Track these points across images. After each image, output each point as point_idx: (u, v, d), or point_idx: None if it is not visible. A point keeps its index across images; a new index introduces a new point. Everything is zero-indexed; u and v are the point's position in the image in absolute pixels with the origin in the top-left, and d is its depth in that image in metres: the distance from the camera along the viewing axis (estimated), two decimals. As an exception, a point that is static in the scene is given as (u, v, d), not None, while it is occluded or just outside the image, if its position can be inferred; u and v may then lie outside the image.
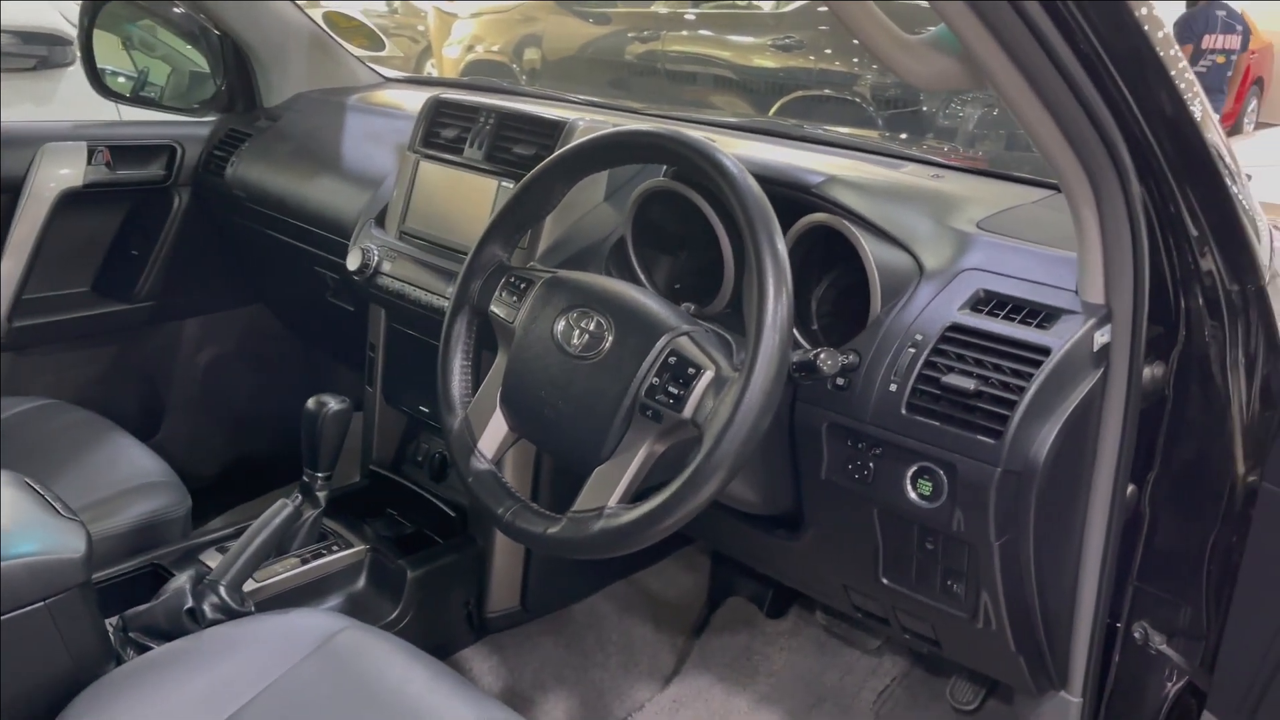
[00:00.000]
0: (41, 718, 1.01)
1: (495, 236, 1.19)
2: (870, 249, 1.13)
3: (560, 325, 1.09)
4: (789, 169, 1.26)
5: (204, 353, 2.13)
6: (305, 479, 1.41)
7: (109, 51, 2.06)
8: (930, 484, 1.06)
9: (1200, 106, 0.94)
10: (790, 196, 1.20)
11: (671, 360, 1.01)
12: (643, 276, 1.34)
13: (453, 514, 1.59)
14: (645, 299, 1.08)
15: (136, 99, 2.07)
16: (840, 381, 1.11)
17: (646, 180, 1.30)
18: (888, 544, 1.16)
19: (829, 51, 6.44)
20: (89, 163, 1.86)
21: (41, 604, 1.04)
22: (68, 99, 2.31)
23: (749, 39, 7.11)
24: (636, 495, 1.01)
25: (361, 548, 1.49)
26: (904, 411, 1.06)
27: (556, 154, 1.15)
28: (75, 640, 1.07)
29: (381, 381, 1.68)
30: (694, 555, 1.82)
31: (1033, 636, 1.15)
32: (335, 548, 1.47)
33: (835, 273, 1.24)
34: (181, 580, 1.22)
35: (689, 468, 0.95)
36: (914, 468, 1.07)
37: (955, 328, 1.08)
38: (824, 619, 1.70)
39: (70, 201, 1.85)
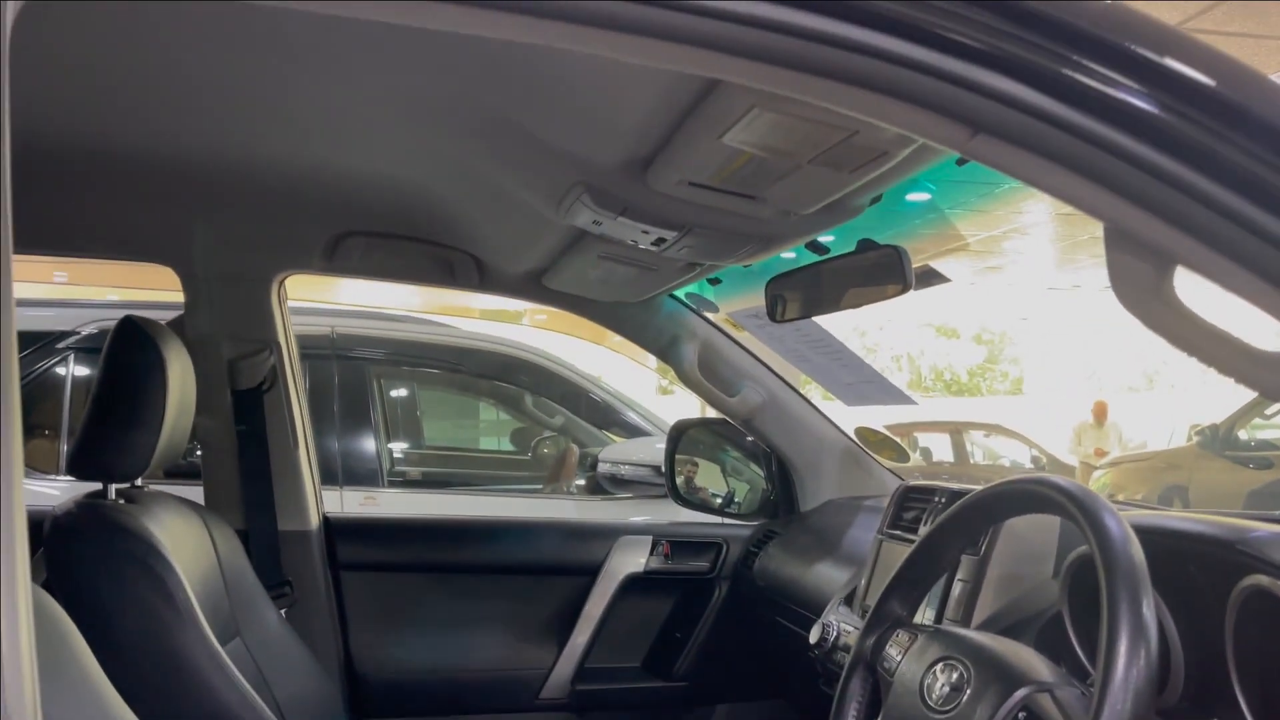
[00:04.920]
0: None
1: (893, 594, 1.20)
2: (1324, 617, 0.91)
3: (928, 678, 1.04)
4: (1231, 527, 1.09)
5: (729, 741, 2.26)
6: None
7: (698, 475, 2.53)
8: None
9: None
10: (1228, 558, 1.03)
11: (1022, 716, 0.91)
12: (1082, 655, 1.20)
13: None
14: (1018, 650, 1.00)
15: (705, 509, 2.46)
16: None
17: (1081, 549, 1.21)
18: None
19: None
20: (651, 553, 2.24)
21: None
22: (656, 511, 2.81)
23: None
24: None
25: None
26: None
27: (946, 515, 1.17)
28: None
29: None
30: None
31: None
32: None
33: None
34: None
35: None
36: None
37: None
38: None
39: (631, 584, 2.22)
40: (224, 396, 1.94)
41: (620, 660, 2.27)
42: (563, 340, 6.72)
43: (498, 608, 2.25)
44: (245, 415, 1.95)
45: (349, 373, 3.32)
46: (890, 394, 2.43)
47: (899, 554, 1.57)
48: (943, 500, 1.53)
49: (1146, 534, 0.95)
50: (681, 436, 2.39)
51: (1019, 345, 22.34)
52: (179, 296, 1.96)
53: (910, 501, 1.62)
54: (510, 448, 4.80)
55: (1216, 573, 1.00)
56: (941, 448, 10.97)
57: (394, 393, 4.02)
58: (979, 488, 1.44)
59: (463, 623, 2.23)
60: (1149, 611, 0.85)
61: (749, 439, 2.30)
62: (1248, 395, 7.60)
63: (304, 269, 2.01)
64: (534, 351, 3.88)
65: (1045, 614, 1.27)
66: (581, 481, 3.92)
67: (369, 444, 3.28)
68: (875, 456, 2.34)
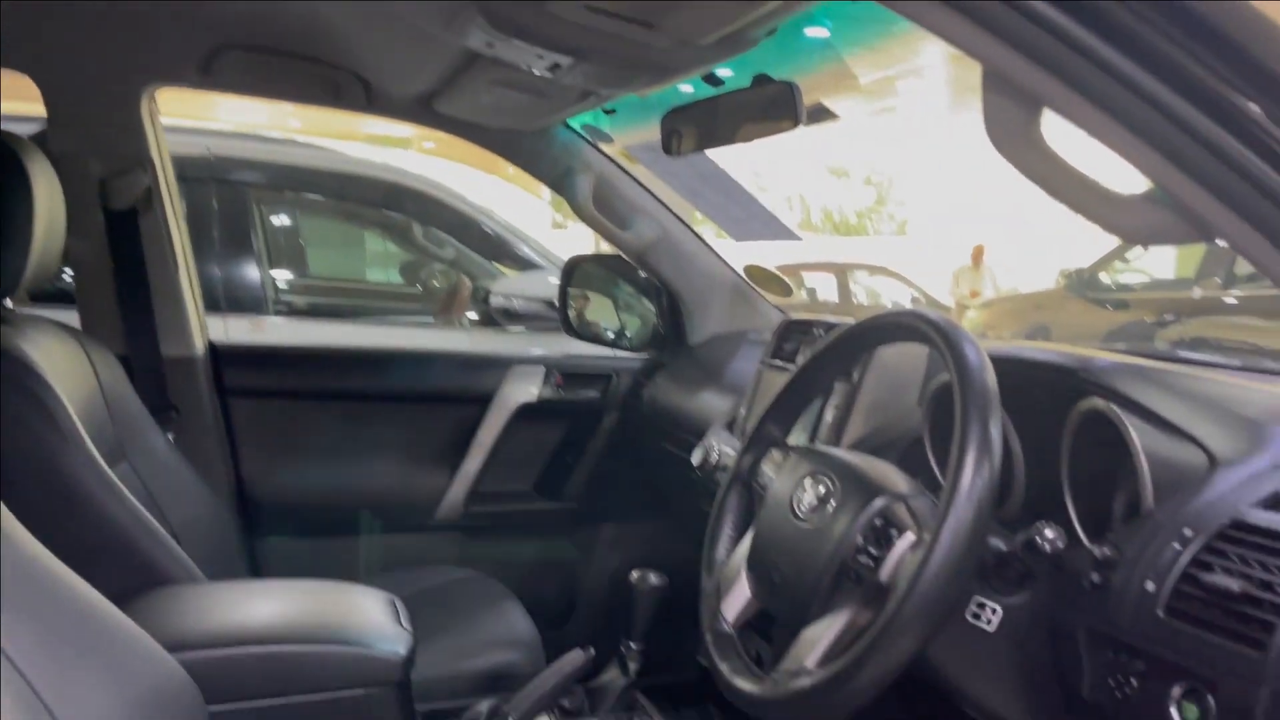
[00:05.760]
0: None
1: (771, 417, 1.27)
2: (1146, 438, 1.02)
3: (797, 491, 1.12)
4: (1071, 354, 1.19)
5: (615, 555, 2.39)
6: (621, 648, 1.53)
7: (587, 311, 2.56)
8: (1197, 709, 0.88)
9: None
10: (1068, 384, 1.14)
11: (879, 523, 1.00)
12: (938, 472, 1.31)
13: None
14: (879, 465, 1.08)
15: (596, 340, 2.51)
16: (1096, 579, 0.98)
17: (942, 376, 1.31)
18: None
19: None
20: (543, 383, 2.30)
21: (360, 691, 1.27)
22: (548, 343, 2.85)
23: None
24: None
25: (662, 725, 1.55)
26: (1162, 615, 0.91)
27: (822, 344, 1.23)
28: None
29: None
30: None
31: None
32: (637, 718, 1.54)
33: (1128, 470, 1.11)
34: (482, 707, 1.38)
35: (873, 628, 0.92)
36: (1179, 687, 0.90)
37: (1238, 525, 0.91)
38: None
39: (524, 414, 2.27)
40: (96, 217, 1.85)
41: (512, 484, 2.35)
42: (454, 169, 6.54)
43: (391, 435, 2.28)
44: (120, 237, 1.88)
45: (228, 197, 3.18)
46: (779, 231, 2.49)
47: (778, 382, 1.65)
48: (821, 332, 1.60)
49: (1001, 362, 1.03)
50: (575, 271, 2.41)
51: (907, 188, 22.77)
52: (42, 109, 1.84)
53: (790, 334, 1.70)
54: (399, 280, 4.73)
55: (1060, 396, 1.10)
56: (827, 288, 11.29)
57: (277, 219, 3.88)
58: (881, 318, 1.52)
59: (356, 449, 2.26)
60: (996, 430, 0.93)
61: (641, 274, 2.34)
62: (1114, 241, 8.00)
63: (176, 82, 1.89)
64: (423, 180, 3.78)
65: (909, 437, 1.37)
66: (473, 315, 3.92)
67: (252, 271, 3.19)
68: (762, 293, 2.41)
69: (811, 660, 0.99)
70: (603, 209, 2.17)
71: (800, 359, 1.60)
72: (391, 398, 2.30)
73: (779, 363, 1.68)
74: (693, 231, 2.34)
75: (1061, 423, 1.12)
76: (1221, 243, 0.84)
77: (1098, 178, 0.90)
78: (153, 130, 1.90)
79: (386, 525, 2.26)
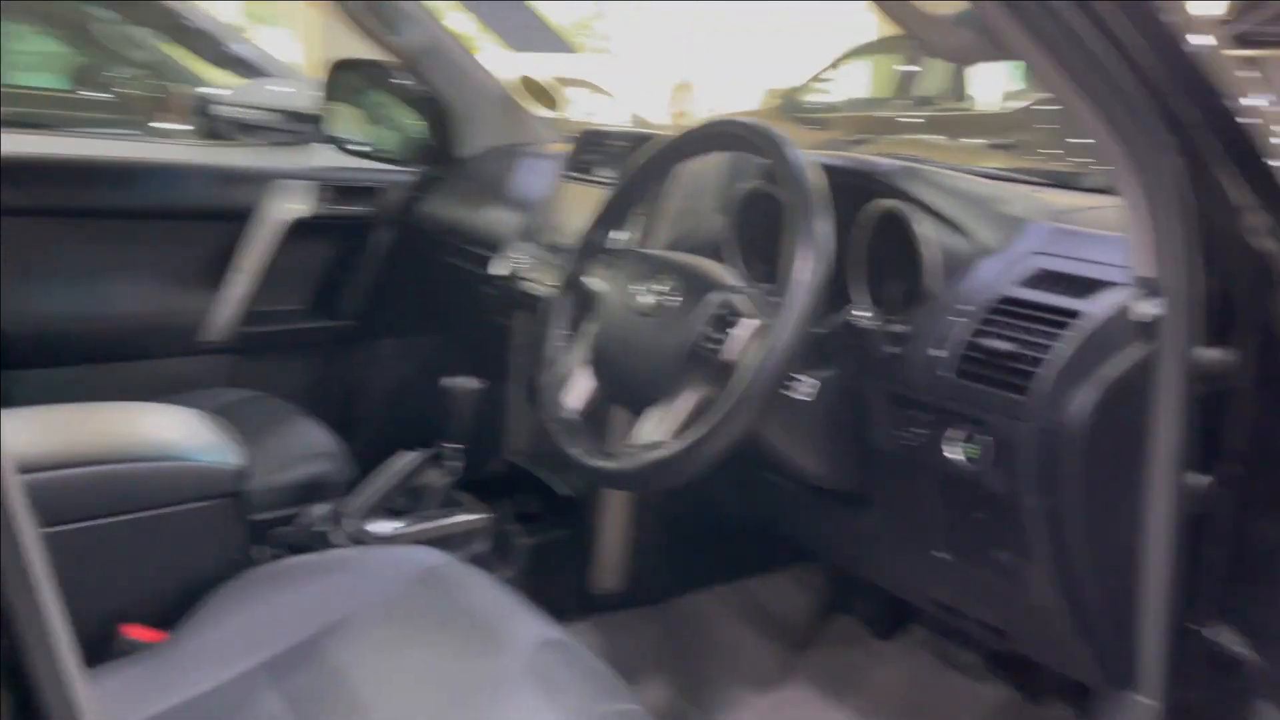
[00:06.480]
0: (184, 603, 1.21)
1: (598, 224, 1.36)
2: (929, 231, 1.21)
3: (637, 289, 1.23)
4: (865, 161, 1.35)
5: (395, 371, 2.42)
6: (438, 449, 1.60)
7: (352, 123, 2.45)
8: (974, 446, 1.10)
9: (1233, 79, 0.97)
10: (863, 186, 1.30)
11: (721, 312, 1.13)
12: (745, 271, 1.46)
13: (572, 499, 1.73)
14: (710, 264, 1.20)
15: (363, 155, 2.43)
16: (894, 350, 1.18)
17: (746, 185, 1.43)
18: (941, 515, 1.19)
19: (1048, 152, 6.34)
20: (312, 197, 2.21)
21: (195, 505, 1.28)
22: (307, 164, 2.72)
23: (970, 141, 7.08)
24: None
25: (484, 516, 1.65)
26: (949, 376, 1.12)
27: (643, 151, 1.31)
28: (221, 541, 1.29)
29: (522, 380, 1.87)
30: (808, 576, 1.86)
31: (1092, 622, 1.14)
32: (461, 512, 1.64)
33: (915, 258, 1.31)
34: (321, 508, 1.42)
35: (724, 400, 1.06)
36: (959, 430, 1.12)
37: (1005, 300, 1.13)
38: (924, 634, 1.69)
39: (298, 231, 2.19)
40: None
41: (286, 303, 2.29)
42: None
43: (145, 254, 2.13)
44: None
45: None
46: (553, 43, 2.48)
47: (581, 192, 1.73)
48: (624, 144, 1.67)
49: None
50: (339, 78, 2.30)
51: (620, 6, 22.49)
52: None
53: (590, 145, 1.76)
54: (76, 85, 4.18)
55: (857, 196, 1.25)
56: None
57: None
58: (666, 132, 1.60)
59: (105, 271, 2.10)
60: (825, 227, 1.07)
61: (410, 83, 2.27)
62: (821, 63, 8.49)
63: None
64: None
65: (712, 241, 1.50)
66: (189, 126, 3.59)
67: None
68: (533, 105, 2.43)
69: (665, 433, 1.12)
70: (369, 11, 2.07)
71: (605, 170, 1.68)
72: (139, 214, 2.13)
73: (579, 174, 1.74)
74: (462, 42, 2.30)
75: (857, 219, 1.29)
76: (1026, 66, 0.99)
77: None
78: None
79: (151, 349, 2.15)
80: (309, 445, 1.74)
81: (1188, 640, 1.15)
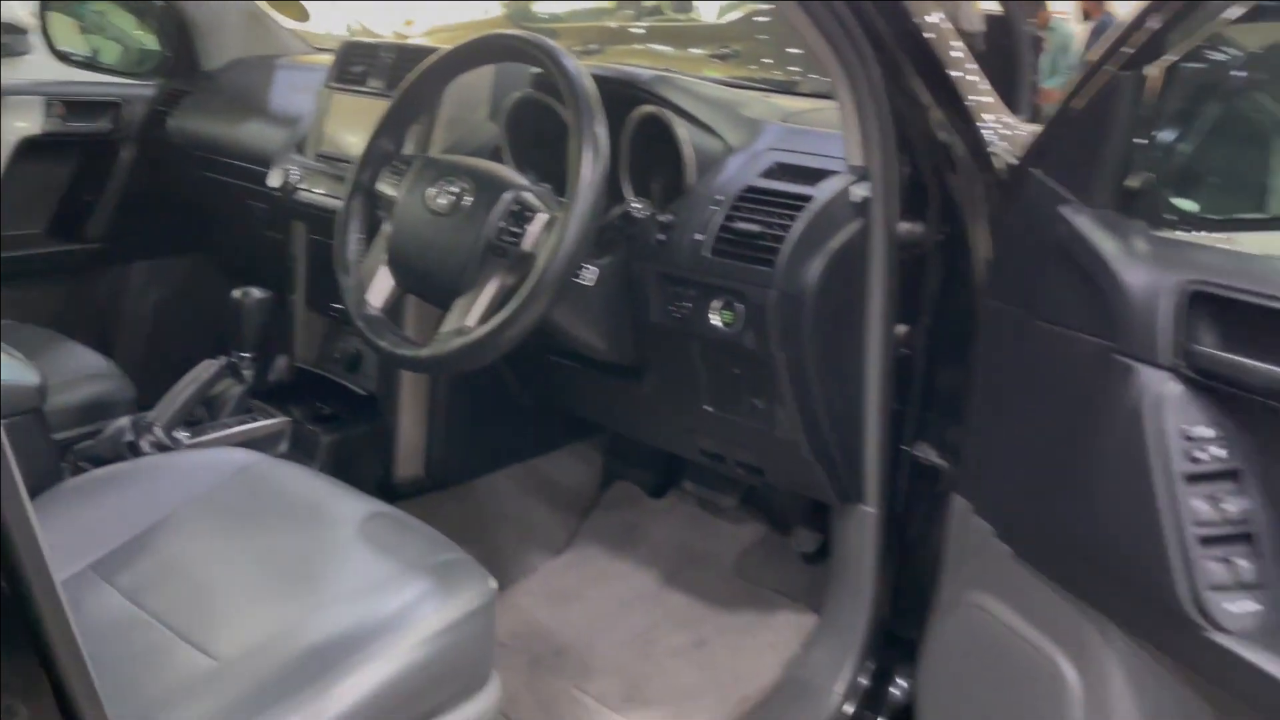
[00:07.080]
0: None
1: (383, 133, 1.43)
2: (686, 133, 1.40)
3: (430, 192, 1.33)
4: (627, 71, 1.52)
5: (150, 294, 2.35)
6: (232, 360, 1.64)
7: (68, 34, 2.30)
8: (731, 313, 1.32)
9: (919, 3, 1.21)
10: (627, 94, 1.47)
11: (515, 208, 1.26)
12: (520, 174, 1.59)
13: (365, 396, 1.82)
14: (497, 166, 1.33)
15: (90, 67, 2.30)
16: (661, 237, 1.37)
17: (517, 93, 1.56)
18: (706, 374, 1.41)
19: (767, 61, 6.77)
20: (46, 115, 2.09)
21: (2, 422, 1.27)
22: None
23: (692, 51, 7.40)
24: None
25: (283, 419, 1.72)
26: (708, 255, 1.32)
27: (426, 61, 1.40)
28: (27, 458, 1.30)
29: (305, 289, 1.92)
30: (587, 450, 2.06)
31: (828, 450, 1.40)
32: (259, 418, 1.70)
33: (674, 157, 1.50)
34: (123, 421, 1.44)
35: (526, 286, 1.20)
36: (718, 301, 1.33)
37: (750, 189, 1.34)
38: (692, 487, 1.95)
39: (29, 150, 2.07)
40: None
41: (22, 227, 2.16)
42: None
43: None
44: None
45: None
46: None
47: (351, 103, 1.78)
48: (390, 55, 1.74)
49: None
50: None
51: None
52: None
53: (355, 57, 1.80)
54: None
55: (623, 104, 1.42)
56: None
57: None
58: (435, 45, 1.68)
59: None
60: (603, 129, 1.23)
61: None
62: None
63: None
64: None
65: (487, 146, 1.61)
66: None
67: None
68: (278, 17, 2.39)
69: (471, 320, 1.25)
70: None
71: (375, 81, 1.73)
72: None
73: (347, 85, 1.78)
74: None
75: (623, 124, 1.45)
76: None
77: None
78: None
79: None
80: (87, 367, 1.71)
81: (900, 457, 1.45)
